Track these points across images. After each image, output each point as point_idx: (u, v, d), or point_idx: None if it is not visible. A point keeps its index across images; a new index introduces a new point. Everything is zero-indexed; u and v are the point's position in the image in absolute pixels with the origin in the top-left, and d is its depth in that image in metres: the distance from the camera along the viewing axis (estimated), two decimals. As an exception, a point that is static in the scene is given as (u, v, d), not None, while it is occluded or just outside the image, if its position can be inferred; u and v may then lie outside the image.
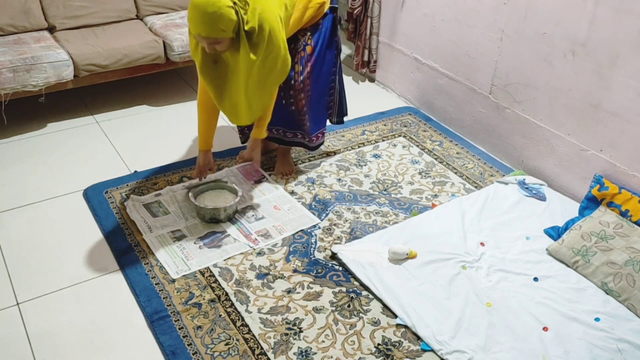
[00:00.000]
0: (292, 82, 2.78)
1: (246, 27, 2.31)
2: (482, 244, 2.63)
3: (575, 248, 2.52)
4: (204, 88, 2.61)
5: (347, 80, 4.24)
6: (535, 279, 2.45)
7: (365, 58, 4.10)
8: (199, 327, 2.22)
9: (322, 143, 3.12)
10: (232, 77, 2.48)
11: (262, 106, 2.59)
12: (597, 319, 2.27)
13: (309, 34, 2.79)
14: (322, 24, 2.83)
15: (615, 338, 2.21)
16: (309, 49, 2.79)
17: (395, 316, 2.29)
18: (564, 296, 2.38)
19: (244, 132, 3.11)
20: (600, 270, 2.42)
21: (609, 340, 2.19)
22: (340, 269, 2.52)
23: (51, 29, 3.66)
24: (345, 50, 4.61)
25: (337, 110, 3.13)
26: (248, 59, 2.37)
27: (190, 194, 2.76)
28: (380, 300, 2.36)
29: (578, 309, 2.31)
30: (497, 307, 2.32)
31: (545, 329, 2.23)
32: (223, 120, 3.64)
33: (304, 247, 2.63)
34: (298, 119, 2.90)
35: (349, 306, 2.35)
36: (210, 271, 2.48)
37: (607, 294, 2.39)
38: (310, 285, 2.44)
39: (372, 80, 4.23)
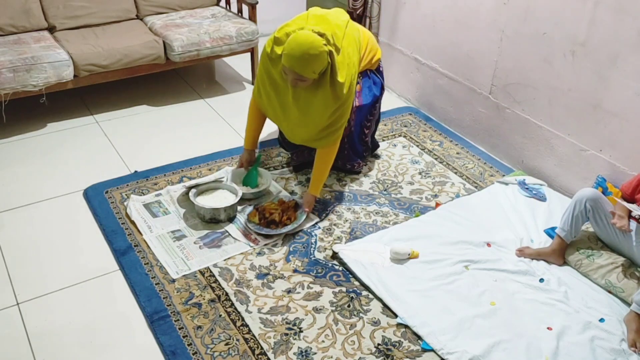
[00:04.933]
0: None
1: (339, 79, 2.50)
2: (488, 244, 2.63)
3: (581, 248, 2.52)
4: (255, 106, 2.82)
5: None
6: (541, 280, 2.45)
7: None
8: (199, 327, 2.22)
9: (359, 171, 3.16)
10: (293, 108, 2.65)
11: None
12: (601, 320, 2.27)
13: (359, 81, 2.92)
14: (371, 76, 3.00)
15: (620, 339, 2.21)
16: (358, 86, 2.90)
17: (396, 316, 2.29)
18: (569, 297, 2.38)
19: (293, 157, 3.17)
20: (604, 268, 2.42)
21: (613, 341, 2.19)
22: (340, 268, 2.52)
23: (51, 29, 3.66)
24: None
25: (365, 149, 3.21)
26: (325, 101, 2.54)
27: (190, 194, 2.76)
28: (380, 300, 2.36)
29: (582, 310, 2.32)
30: (501, 306, 2.32)
31: (549, 328, 2.23)
32: (224, 121, 3.65)
33: (304, 247, 2.63)
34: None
35: (349, 306, 2.35)
36: (210, 271, 2.48)
37: (611, 291, 2.40)
38: (310, 285, 2.44)
39: (372, 80, 4.23)
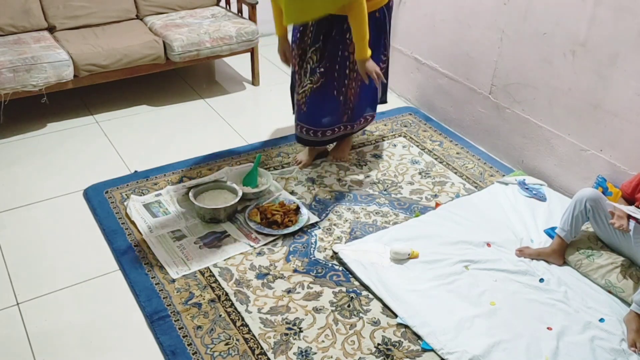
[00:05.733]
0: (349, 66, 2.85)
1: None
2: (488, 244, 2.63)
3: (581, 248, 2.52)
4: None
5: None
6: (541, 280, 2.45)
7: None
8: (199, 327, 2.22)
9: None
10: None
11: None
12: (601, 320, 2.27)
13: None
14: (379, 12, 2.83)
15: (620, 339, 2.21)
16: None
17: (396, 316, 2.29)
18: (569, 297, 2.38)
19: (304, 137, 3.07)
20: (604, 268, 2.42)
21: (613, 341, 2.19)
22: (340, 269, 2.52)
23: (51, 29, 3.66)
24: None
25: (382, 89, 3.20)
26: None
27: (190, 194, 2.76)
28: (380, 300, 2.36)
29: (582, 310, 2.32)
30: (501, 306, 2.32)
31: (549, 328, 2.23)
32: (224, 121, 3.65)
33: (304, 247, 2.63)
34: (358, 102, 2.98)
35: (349, 306, 2.34)
36: (210, 271, 2.48)
37: (611, 291, 2.40)
38: (310, 285, 2.44)
39: (372, 80, 4.23)
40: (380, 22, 2.85)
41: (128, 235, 2.66)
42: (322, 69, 2.83)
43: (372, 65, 2.69)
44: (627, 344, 2.18)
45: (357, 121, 3.11)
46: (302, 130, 3.02)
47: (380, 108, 3.81)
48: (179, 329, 2.21)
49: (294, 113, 3.09)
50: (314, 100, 2.91)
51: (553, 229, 2.67)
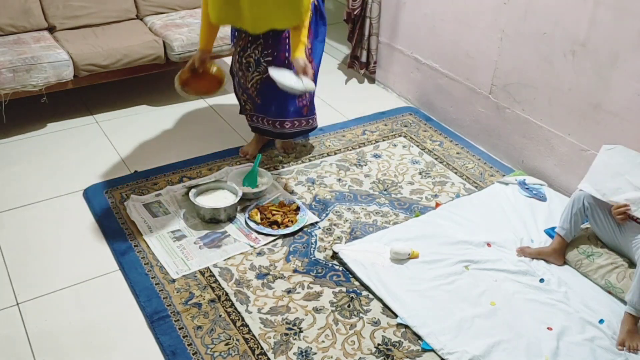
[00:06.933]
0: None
1: None
2: (488, 244, 2.63)
3: (581, 248, 2.52)
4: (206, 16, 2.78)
5: (348, 81, 4.24)
6: (541, 280, 2.45)
7: (364, 59, 4.09)
8: (199, 327, 2.22)
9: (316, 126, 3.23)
10: None
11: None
12: (601, 321, 2.27)
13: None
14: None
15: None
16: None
17: (396, 316, 2.29)
18: (569, 297, 2.38)
19: (246, 110, 3.20)
20: (604, 268, 2.42)
21: (612, 342, 2.19)
22: (341, 269, 2.52)
23: (51, 29, 3.65)
24: (345, 50, 4.61)
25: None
26: None
27: (190, 194, 2.76)
28: (380, 300, 2.36)
29: (582, 310, 2.31)
30: (501, 306, 2.32)
31: (549, 328, 2.23)
32: (224, 121, 3.65)
33: (304, 247, 2.63)
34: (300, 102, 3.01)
35: (349, 306, 2.34)
36: (210, 271, 2.48)
37: (611, 291, 2.40)
38: (310, 285, 2.44)
39: (372, 80, 4.23)
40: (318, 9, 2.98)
41: (128, 235, 2.66)
42: (268, 58, 2.89)
43: (304, 64, 2.77)
44: (617, 342, 2.19)
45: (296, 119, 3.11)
46: (262, 120, 3.10)
47: (380, 108, 3.83)
48: (179, 329, 2.21)
49: (240, 112, 3.27)
50: (266, 90, 2.97)
51: (553, 229, 2.67)
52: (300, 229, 2.71)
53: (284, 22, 2.72)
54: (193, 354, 2.11)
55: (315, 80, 3.07)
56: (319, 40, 3.05)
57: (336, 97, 3.93)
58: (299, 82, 2.66)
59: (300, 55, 2.74)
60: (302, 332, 2.22)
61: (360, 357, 2.14)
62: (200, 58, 2.87)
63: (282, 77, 2.65)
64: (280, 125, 3.08)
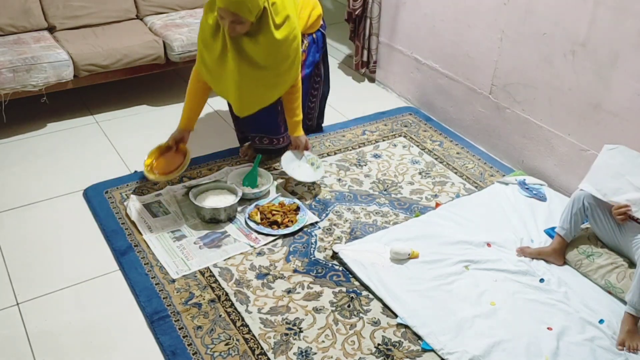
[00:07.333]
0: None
1: (276, 20, 2.48)
2: (488, 244, 2.63)
3: (581, 248, 2.52)
4: (197, 77, 2.76)
5: (348, 81, 4.24)
6: (541, 280, 2.45)
7: (365, 58, 4.10)
8: (199, 327, 2.22)
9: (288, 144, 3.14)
10: (237, 68, 2.57)
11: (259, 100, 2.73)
12: (601, 321, 2.27)
13: (305, 42, 2.94)
14: (316, 35, 3.03)
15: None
16: (303, 55, 2.91)
17: (396, 316, 2.29)
18: (569, 297, 2.38)
19: (243, 132, 3.21)
20: (604, 268, 2.42)
21: (612, 342, 2.19)
22: (341, 269, 2.52)
23: (51, 29, 3.66)
24: (345, 50, 4.61)
25: (317, 116, 3.41)
26: (270, 39, 2.50)
27: (190, 194, 2.76)
28: (380, 300, 2.36)
29: (582, 310, 2.31)
30: (501, 306, 2.32)
31: (549, 328, 2.23)
32: (224, 121, 3.65)
33: (304, 247, 2.63)
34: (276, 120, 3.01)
35: (349, 306, 2.34)
36: (210, 271, 2.48)
37: (611, 292, 2.40)
38: (310, 285, 2.44)
39: (372, 80, 4.23)
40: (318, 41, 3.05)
41: (128, 235, 2.66)
42: None
43: (303, 141, 2.93)
44: (617, 342, 2.19)
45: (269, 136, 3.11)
46: (259, 140, 3.11)
47: (380, 108, 3.83)
48: (179, 329, 2.21)
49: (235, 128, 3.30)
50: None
51: (553, 229, 2.67)
52: (300, 229, 2.71)
53: (275, 97, 2.74)
54: (193, 354, 2.11)
55: (328, 84, 3.28)
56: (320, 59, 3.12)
57: (336, 97, 3.93)
58: (312, 172, 2.91)
59: (300, 134, 2.84)
60: (302, 332, 2.22)
61: (360, 357, 2.14)
62: (176, 138, 2.83)
63: (299, 174, 2.87)
64: (276, 142, 3.11)
